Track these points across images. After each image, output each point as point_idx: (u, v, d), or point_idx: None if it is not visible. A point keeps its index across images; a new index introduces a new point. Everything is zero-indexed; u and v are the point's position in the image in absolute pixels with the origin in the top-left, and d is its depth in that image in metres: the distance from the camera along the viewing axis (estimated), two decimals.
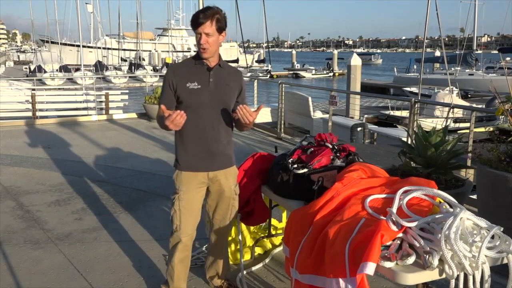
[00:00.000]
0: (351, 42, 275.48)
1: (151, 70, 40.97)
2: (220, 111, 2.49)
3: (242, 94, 2.63)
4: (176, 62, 41.17)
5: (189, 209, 2.56)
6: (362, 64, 19.42)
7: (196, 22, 2.35)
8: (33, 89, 11.90)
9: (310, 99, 11.71)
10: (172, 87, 2.47)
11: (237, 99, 2.59)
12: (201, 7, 10.36)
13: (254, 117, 2.38)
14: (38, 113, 10.57)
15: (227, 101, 2.52)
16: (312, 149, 2.68)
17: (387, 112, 15.93)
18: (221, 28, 2.41)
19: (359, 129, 8.93)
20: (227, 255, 2.93)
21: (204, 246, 3.38)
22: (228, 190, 2.64)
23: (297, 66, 52.91)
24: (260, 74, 39.33)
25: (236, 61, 48.34)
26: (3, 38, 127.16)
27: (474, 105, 9.10)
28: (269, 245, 3.46)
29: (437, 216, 1.81)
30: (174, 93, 2.48)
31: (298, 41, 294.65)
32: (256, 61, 49.96)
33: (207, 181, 2.58)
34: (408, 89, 24.23)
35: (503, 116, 3.68)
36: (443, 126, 3.26)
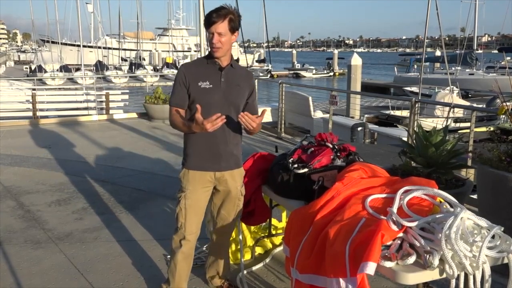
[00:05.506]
0: (351, 42, 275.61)
1: (152, 70, 40.97)
2: (230, 111, 2.48)
3: (253, 95, 2.62)
4: (177, 62, 41.19)
5: (195, 207, 2.57)
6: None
7: (209, 21, 2.36)
8: (34, 89, 11.90)
9: (310, 98, 11.70)
10: (185, 85, 2.47)
11: (247, 100, 2.59)
12: (201, 7, 10.39)
13: (257, 122, 2.37)
14: (39, 113, 10.57)
15: (238, 101, 2.52)
16: (313, 148, 2.68)
17: (387, 112, 15.92)
18: (234, 28, 2.41)
19: (359, 128, 8.91)
20: (227, 255, 2.93)
21: (205, 246, 3.38)
22: (234, 190, 2.64)
23: (298, 66, 52.81)
24: (261, 74, 39.26)
25: (237, 60, 48.16)
26: (3, 38, 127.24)
27: (474, 105, 9.10)
28: (269, 245, 3.46)
29: (437, 216, 1.81)
30: (187, 91, 2.48)
31: (298, 41, 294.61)
32: (257, 61, 49.90)
33: (214, 180, 2.59)
34: (408, 88, 24.21)
35: (504, 116, 3.68)
36: (444, 125, 3.26)
